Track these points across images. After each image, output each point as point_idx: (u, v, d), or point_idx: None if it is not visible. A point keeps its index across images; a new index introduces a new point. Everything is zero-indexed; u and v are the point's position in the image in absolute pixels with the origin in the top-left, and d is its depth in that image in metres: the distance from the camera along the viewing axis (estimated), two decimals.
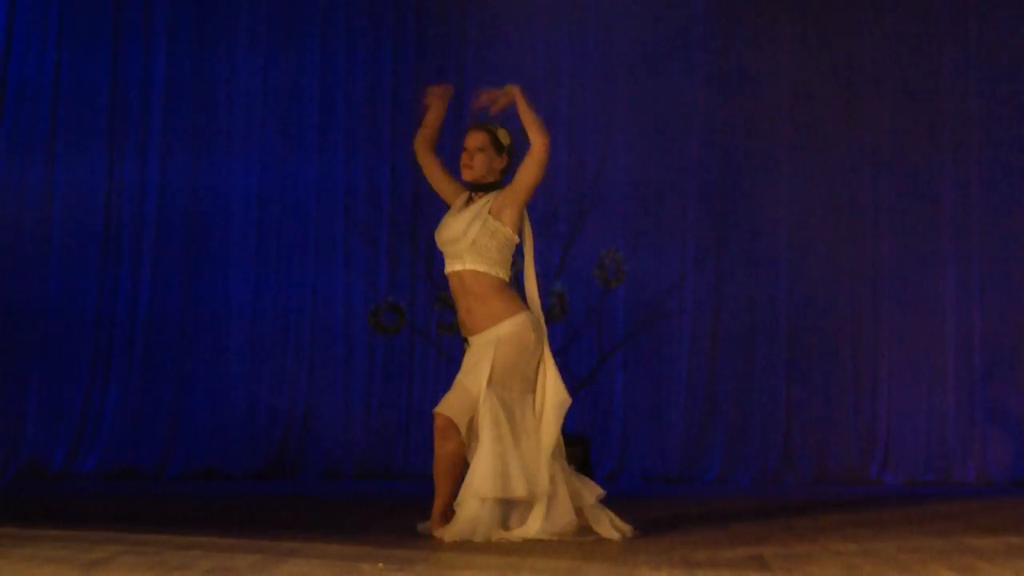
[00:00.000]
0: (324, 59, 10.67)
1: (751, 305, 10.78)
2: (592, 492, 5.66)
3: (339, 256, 10.59)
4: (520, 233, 5.69)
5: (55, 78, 10.33)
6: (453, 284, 5.65)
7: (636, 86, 10.75)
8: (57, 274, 10.26)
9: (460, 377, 5.57)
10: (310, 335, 10.50)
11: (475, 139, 5.61)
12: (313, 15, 10.71)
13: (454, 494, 5.54)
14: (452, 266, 5.63)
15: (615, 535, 5.56)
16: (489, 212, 5.56)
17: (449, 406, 5.50)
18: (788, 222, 10.78)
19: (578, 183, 10.63)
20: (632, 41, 10.74)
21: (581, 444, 9.07)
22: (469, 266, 5.56)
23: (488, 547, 5.24)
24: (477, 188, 5.65)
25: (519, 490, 5.41)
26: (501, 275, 5.60)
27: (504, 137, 5.65)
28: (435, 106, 5.76)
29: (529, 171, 5.57)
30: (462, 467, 5.56)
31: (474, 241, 5.52)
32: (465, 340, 5.67)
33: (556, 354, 9.95)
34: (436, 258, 9.64)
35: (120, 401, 10.19)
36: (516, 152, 5.71)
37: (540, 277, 9.49)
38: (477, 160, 5.59)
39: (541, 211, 10.45)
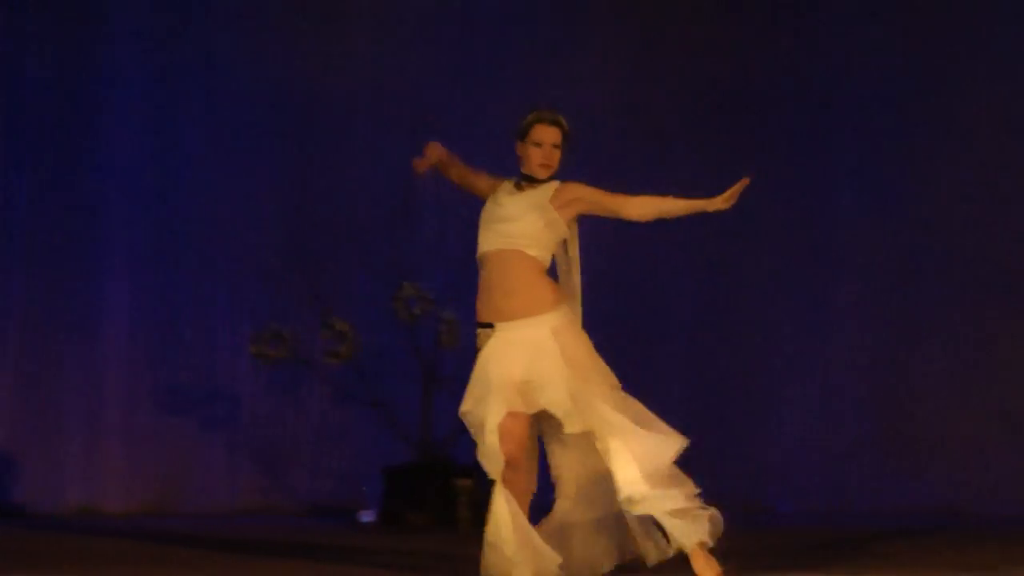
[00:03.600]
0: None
1: None
2: None
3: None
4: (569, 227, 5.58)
5: None
6: (492, 264, 5.47)
7: None
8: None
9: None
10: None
11: (552, 135, 5.51)
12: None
13: None
14: (495, 244, 5.47)
15: None
16: (552, 202, 5.46)
17: None
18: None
19: None
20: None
21: None
22: (518, 247, 5.44)
23: None
24: (533, 179, 5.54)
25: None
26: (546, 262, 5.52)
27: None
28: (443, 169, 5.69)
29: (610, 206, 5.48)
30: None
31: (530, 226, 5.43)
32: (482, 325, 5.43)
33: None
34: (324, 281, 9.07)
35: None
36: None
37: None
38: (555, 158, 5.52)
39: None
